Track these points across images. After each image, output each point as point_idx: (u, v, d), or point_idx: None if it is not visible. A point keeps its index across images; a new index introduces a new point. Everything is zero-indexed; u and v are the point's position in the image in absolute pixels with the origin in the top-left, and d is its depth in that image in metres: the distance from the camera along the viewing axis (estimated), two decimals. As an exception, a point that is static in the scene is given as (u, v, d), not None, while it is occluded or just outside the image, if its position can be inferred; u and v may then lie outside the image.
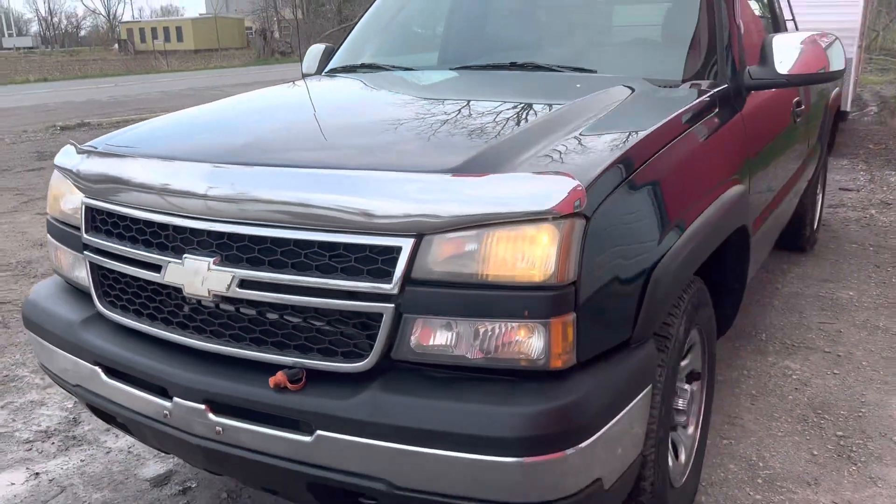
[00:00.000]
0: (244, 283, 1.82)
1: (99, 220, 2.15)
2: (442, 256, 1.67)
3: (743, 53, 2.76)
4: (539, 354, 1.66)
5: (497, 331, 1.67)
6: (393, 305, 1.69)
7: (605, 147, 1.90)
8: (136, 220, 2.02)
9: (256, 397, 1.80)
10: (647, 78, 2.65)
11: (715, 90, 2.55)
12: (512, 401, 1.64)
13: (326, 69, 3.38)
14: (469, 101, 2.43)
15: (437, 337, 1.70)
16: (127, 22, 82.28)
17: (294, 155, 2.03)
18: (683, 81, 2.63)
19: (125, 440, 3.05)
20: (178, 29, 72.82)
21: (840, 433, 2.97)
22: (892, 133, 10.49)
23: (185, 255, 1.90)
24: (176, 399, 1.91)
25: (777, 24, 3.56)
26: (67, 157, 2.29)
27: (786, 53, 2.68)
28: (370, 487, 1.73)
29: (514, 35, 3.08)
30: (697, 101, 2.39)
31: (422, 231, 1.67)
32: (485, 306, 1.66)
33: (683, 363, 2.43)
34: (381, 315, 1.70)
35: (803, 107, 3.57)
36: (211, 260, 1.85)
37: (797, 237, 5.03)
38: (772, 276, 4.80)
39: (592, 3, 3.12)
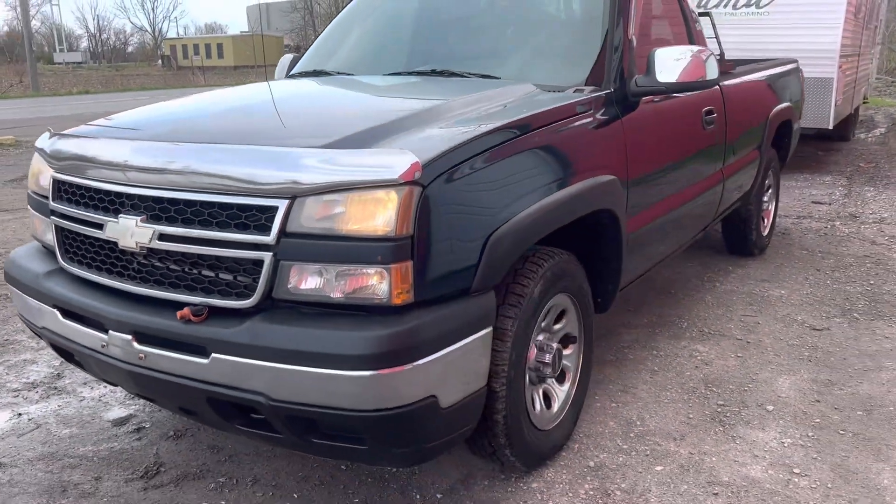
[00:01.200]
0: (162, 237, 2.28)
1: (62, 190, 2.64)
2: (310, 214, 2.11)
3: (633, 64, 3.17)
4: (383, 293, 2.09)
5: (353, 274, 2.10)
6: (272, 254, 2.13)
7: (456, 134, 2.33)
8: (87, 189, 2.50)
9: (168, 328, 2.25)
10: (540, 83, 3.07)
11: (594, 95, 2.97)
12: (358, 327, 2.07)
13: (286, 75, 3.88)
14: (376, 97, 2.89)
15: (308, 281, 2.14)
16: (171, 39, 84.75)
17: (208, 134, 2.51)
18: (570, 87, 3.04)
19: (98, 390, 3.53)
20: (219, 46, 74.77)
21: (721, 402, 3.34)
22: (888, 153, 10.72)
23: (120, 216, 2.37)
24: (111, 332, 2.37)
25: (691, 40, 3.96)
26: (43, 140, 2.79)
27: (666, 64, 3.09)
28: (253, 400, 2.17)
29: (438, 47, 3.55)
30: (567, 102, 2.81)
31: (295, 194, 2.11)
32: (343, 255, 2.09)
33: (557, 326, 2.84)
34: (262, 262, 2.15)
35: (716, 115, 3.95)
36: (138, 218, 2.32)
37: (743, 242, 5.39)
38: (714, 274, 5.15)
39: (504, 19, 3.56)
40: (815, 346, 3.95)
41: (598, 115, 2.92)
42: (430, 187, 2.11)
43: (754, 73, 4.88)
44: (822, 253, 5.63)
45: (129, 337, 2.33)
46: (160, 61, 74.71)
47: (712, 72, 3.14)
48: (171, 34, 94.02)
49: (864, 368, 3.68)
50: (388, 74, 3.43)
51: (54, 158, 2.66)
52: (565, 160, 2.65)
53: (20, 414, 3.36)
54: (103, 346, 2.42)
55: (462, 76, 3.23)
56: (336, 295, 2.13)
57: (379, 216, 2.06)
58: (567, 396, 2.93)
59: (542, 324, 2.76)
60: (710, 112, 3.89)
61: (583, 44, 3.29)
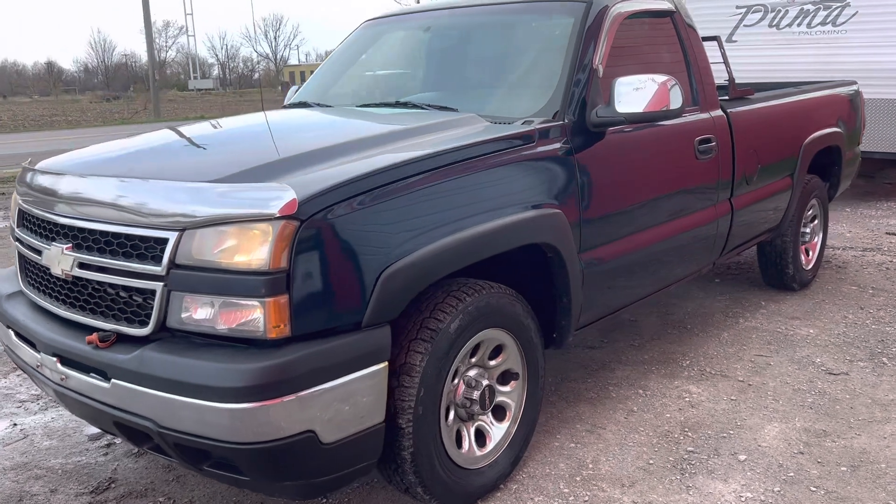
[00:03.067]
0: (81, 265, 2.41)
1: (23, 218, 2.82)
2: (196, 247, 2.17)
3: (598, 94, 3.07)
4: (260, 326, 2.11)
5: (234, 307, 2.14)
6: (163, 284, 2.21)
7: (355, 169, 2.33)
8: (35, 217, 2.67)
9: (82, 352, 2.36)
10: (495, 115, 3.04)
11: (539, 126, 2.90)
12: (232, 360, 2.10)
13: (284, 105, 4.01)
14: (309, 131, 2.95)
15: (197, 311, 2.20)
16: (291, 66, 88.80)
17: (126, 169, 2.62)
18: (520, 119, 2.98)
19: (89, 406, 3.72)
20: (335, 71, 77.31)
21: (691, 449, 3.15)
22: None
23: (52, 243, 2.51)
24: (41, 353, 2.52)
25: (689, 67, 3.78)
26: (20, 172, 3.00)
27: (626, 94, 2.99)
28: (144, 426, 2.24)
29: (409, 80, 3.58)
30: (495, 136, 2.75)
31: (184, 226, 2.18)
32: (225, 287, 2.14)
33: (493, 362, 2.78)
34: (154, 291, 2.22)
35: (715, 143, 3.76)
36: (64, 247, 2.45)
37: (779, 275, 5.07)
38: (741, 309, 4.87)
39: (473, 52, 3.54)
40: (823, 391, 3.67)
41: (542, 148, 2.85)
42: (310, 222, 2.12)
43: (783, 97, 4.61)
44: (873, 290, 5.22)
45: (54, 359, 2.46)
46: (280, 87, 78.30)
47: (676, 101, 3.00)
48: (293, 61, 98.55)
49: (869, 419, 3.38)
50: (360, 106, 3.47)
51: (20, 188, 2.85)
52: (485, 194, 2.60)
53: (15, 424, 3.59)
54: (38, 366, 2.56)
55: (420, 108, 3.23)
56: (222, 327, 2.17)
57: (255, 250, 2.09)
58: (506, 434, 2.85)
59: (473, 359, 2.71)
60: (706, 141, 3.71)
61: (541, 75, 3.23)
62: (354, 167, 2.34)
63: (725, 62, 4.14)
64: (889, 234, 6.91)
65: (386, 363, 2.30)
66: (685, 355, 4.14)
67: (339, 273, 2.19)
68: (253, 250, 2.10)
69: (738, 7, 8.64)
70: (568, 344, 3.13)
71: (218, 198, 2.18)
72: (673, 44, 3.75)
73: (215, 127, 3.26)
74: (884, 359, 4.04)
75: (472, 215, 2.53)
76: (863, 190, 9.04)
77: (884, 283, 5.35)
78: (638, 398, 3.63)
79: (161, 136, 3.10)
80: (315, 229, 2.13)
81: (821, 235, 5.42)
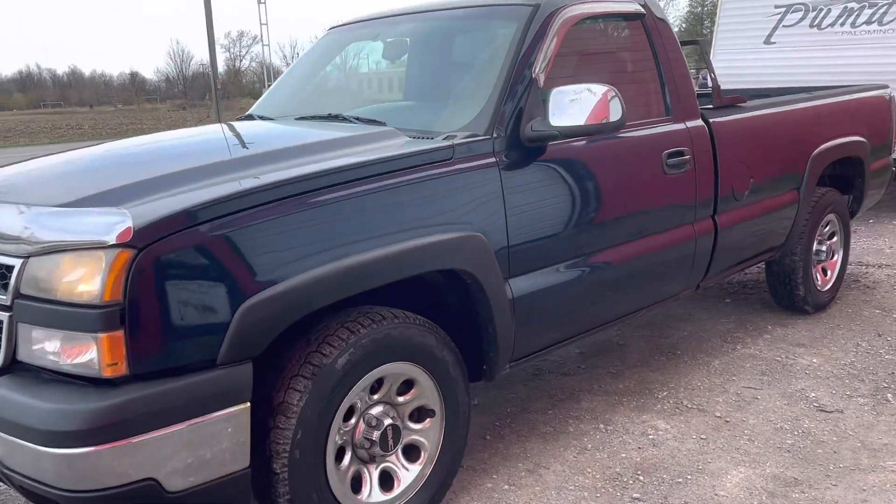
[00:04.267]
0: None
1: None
2: (35, 275, 2.03)
3: (536, 106, 2.81)
4: (95, 364, 1.95)
5: (73, 342, 1.99)
6: (9, 314, 2.07)
7: (210, 193, 2.14)
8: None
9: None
10: (422, 129, 2.82)
11: (459, 142, 2.65)
12: (62, 400, 1.95)
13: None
14: (204, 149, 2.79)
15: (42, 344, 2.05)
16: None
17: (9, 190, 2.49)
18: (443, 134, 2.74)
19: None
20: (402, 77, 77.95)
21: (637, 496, 2.85)
22: None
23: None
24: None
25: (661, 74, 3.45)
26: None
27: (561, 106, 2.72)
28: (-5, 463, 2.11)
29: (353, 92, 3.39)
30: (413, 151, 2.53)
31: (28, 253, 2.04)
32: (64, 319, 1.99)
33: (402, 398, 2.56)
34: (2, 322, 2.09)
35: (688, 157, 3.44)
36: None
37: (790, 297, 4.67)
38: (744, 334, 4.50)
39: (410, 60, 3.32)
40: (808, 432, 3.30)
41: (461, 166, 2.61)
42: (149, 251, 1.95)
43: (783, 105, 4.22)
44: (899, 313, 4.76)
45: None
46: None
47: (616, 113, 2.71)
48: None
49: (852, 467, 3.01)
50: (298, 118, 3.30)
51: None
52: (385, 217, 2.38)
53: None
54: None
55: (348, 121, 3.04)
56: (65, 362, 2.02)
57: (89, 280, 1.94)
58: (418, 477, 2.62)
59: (375, 396, 2.49)
60: (676, 154, 3.39)
61: (476, 86, 2.99)
62: (214, 191, 2.16)
63: (709, 67, 3.79)
64: (934, 250, 6.34)
65: (247, 404, 2.11)
66: (664, 385, 3.81)
67: (186, 306, 2.00)
68: (87, 281, 1.94)
69: (776, 6, 8.15)
70: (499, 376, 2.88)
71: (57, 223, 2.04)
72: (642, 49, 3.44)
73: (101, 150, 3.08)
74: (889, 395, 3.63)
75: (363, 240, 2.31)
76: (916, 201, 8.39)
77: (912, 307, 4.87)
78: (596, 434, 3.33)
79: (71, 155, 2.99)
80: (155, 258, 1.96)
81: (841, 253, 4.97)
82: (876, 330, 4.48)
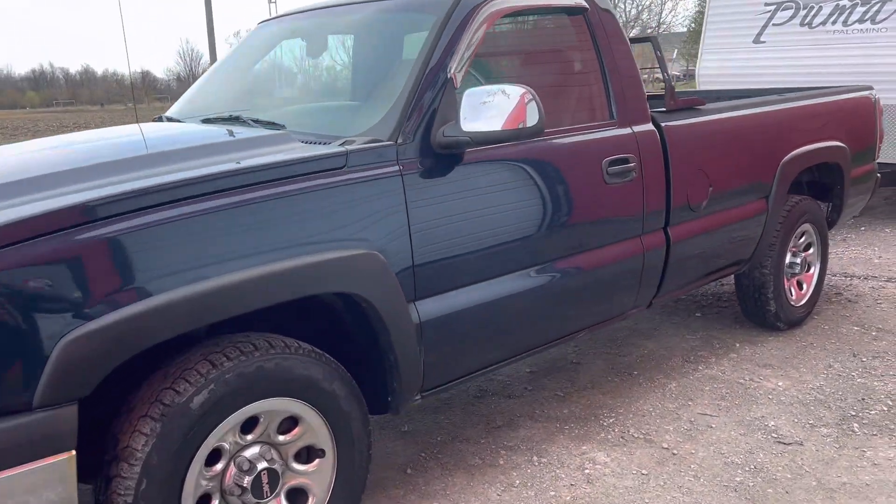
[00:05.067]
0: None
1: None
2: None
3: (451, 109, 2.53)
4: None
5: None
6: None
7: (35, 208, 1.88)
8: None
9: None
10: (322, 133, 2.55)
11: (360, 148, 2.38)
12: None
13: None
14: (74, 154, 2.52)
15: None
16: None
17: None
18: (340, 139, 2.47)
19: None
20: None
21: (558, 543, 2.56)
22: None
23: None
24: None
25: (605, 74, 3.16)
26: None
27: (473, 109, 2.45)
28: None
29: (266, 91, 3.12)
30: (295, 158, 2.26)
31: None
32: None
33: (284, 437, 2.29)
34: None
35: (634, 164, 3.14)
36: None
37: (760, 313, 4.38)
38: (709, 352, 4.20)
39: (325, 57, 3.04)
40: (761, 467, 3.00)
41: (356, 175, 2.33)
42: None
43: (748, 108, 3.92)
44: (878, 331, 4.44)
45: None
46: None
47: (533, 118, 2.43)
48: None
49: (803, 510, 2.72)
50: (203, 120, 3.03)
51: None
52: (252, 234, 2.10)
53: None
54: None
55: (246, 124, 2.76)
56: None
57: None
58: (310, 523, 2.34)
59: (249, 436, 2.22)
60: (619, 162, 3.10)
61: (386, 86, 2.71)
62: (44, 205, 1.89)
63: (662, 67, 3.49)
64: (925, 260, 6.01)
65: (72, 453, 1.84)
66: (612, 411, 3.52)
67: (-8, 341, 1.73)
68: None
69: (766, 4, 7.82)
70: (404, 409, 2.60)
71: None
72: (583, 48, 3.15)
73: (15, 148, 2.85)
74: (855, 425, 3.32)
75: (225, 261, 2.04)
76: (911, 207, 8.07)
77: (893, 324, 4.55)
78: (528, 467, 3.05)
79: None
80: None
81: (818, 266, 4.66)
82: (852, 349, 4.18)
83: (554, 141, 2.89)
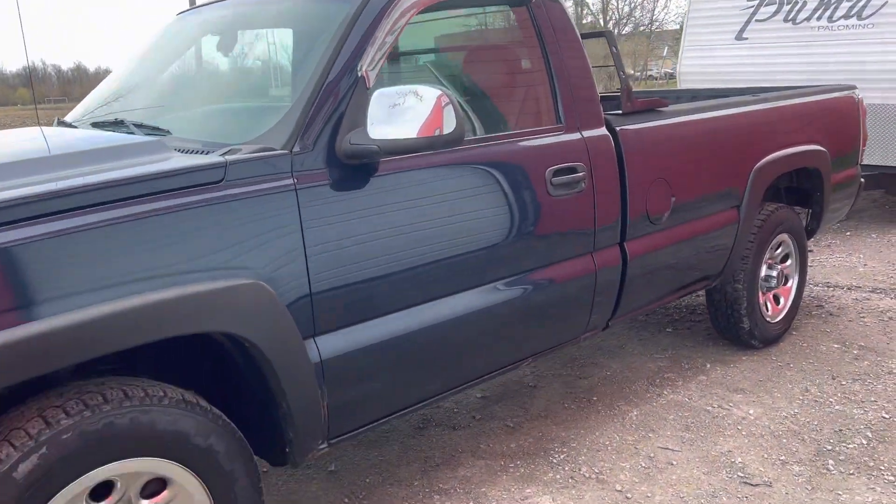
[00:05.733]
0: None
1: None
2: None
3: (362, 113, 2.18)
4: None
5: None
6: None
7: None
8: None
9: None
10: (207, 141, 2.21)
11: (245, 158, 2.03)
12: None
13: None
14: None
15: None
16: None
17: None
18: (224, 148, 2.12)
19: None
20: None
21: None
22: None
23: None
24: None
25: (552, 74, 2.82)
26: None
27: (382, 113, 2.11)
28: None
29: (148, 93, 2.78)
30: (158, 171, 1.91)
31: None
32: None
33: (150, 502, 1.94)
34: None
35: (582, 173, 2.80)
36: None
37: (734, 330, 4.05)
38: (676, 374, 3.87)
39: (229, 54, 2.69)
40: (723, 515, 2.68)
41: (238, 191, 1.99)
42: None
43: (716, 109, 3.58)
44: (860, 349, 4.12)
45: None
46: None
47: (450, 124, 2.09)
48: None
49: (767, 569, 2.39)
50: (92, 124, 2.68)
51: None
52: (98, 263, 1.76)
53: None
54: None
55: (128, 128, 2.42)
56: None
57: None
58: None
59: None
60: (566, 171, 2.76)
61: (280, 87, 2.37)
62: None
63: (617, 64, 3.15)
64: (913, 268, 5.70)
65: None
66: (565, 445, 3.19)
67: None
68: None
69: (749, -1, 7.50)
70: (307, 460, 2.25)
71: None
72: (526, 43, 2.81)
73: None
74: (830, 461, 3.00)
75: (61, 297, 1.69)
76: (900, 210, 7.76)
77: (876, 341, 4.23)
78: (463, 515, 2.71)
79: None
80: None
81: (796, 279, 4.33)
82: (831, 371, 3.85)
83: (489, 149, 2.55)
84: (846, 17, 6.89)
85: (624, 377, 3.86)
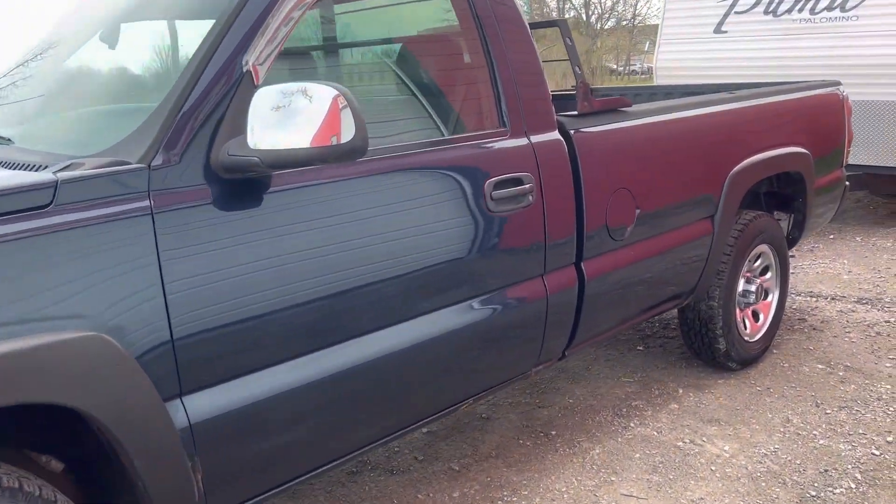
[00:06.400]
0: None
1: None
2: None
3: (244, 118, 1.77)
4: None
5: None
6: None
7: None
8: None
9: None
10: (56, 153, 1.79)
11: (82, 176, 1.62)
12: None
13: None
14: None
15: None
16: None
17: None
18: (72, 159, 1.71)
19: None
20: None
21: None
22: None
23: None
24: None
25: (494, 71, 2.42)
26: None
27: (263, 118, 1.69)
28: None
29: (29, 93, 2.34)
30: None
31: None
32: None
33: None
34: None
35: (529, 185, 2.41)
36: None
37: (709, 352, 3.68)
38: (646, 402, 3.49)
39: (110, 46, 2.27)
40: (692, 583, 2.29)
41: (67, 217, 1.57)
42: None
43: (692, 108, 3.20)
44: (846, 370, 3.76)
45: None
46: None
47: (348, 132, 1.68)
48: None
49: None
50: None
51: None
52: None
53: None
54: None
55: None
56: None
57: None
58: None
59: None
60: (509, 183, 2.36)
61: (153, 85, 1.96)
62: None
63: (572, 58, 2.74)
64: (901, 276, 5.35)
65: None
66: (516, 493, 2.80)
67: None
68: None
69: (727, -11, 7.14)
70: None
71: None
72: (465, 35, 2.41)
73: None
74: (815, 511, 2.63)
75: None
76: (884, 212, 7.44)
77: (863, 360, 3.87)
78: (388, 588, 2.31)
79: None
80: None
81: (777, 293, 3.96)
82: (815, 397, 3.49)
83: (414, 158, 2.15)
84: (829, 8, 6.55)
85: (587, 406, 3.48)
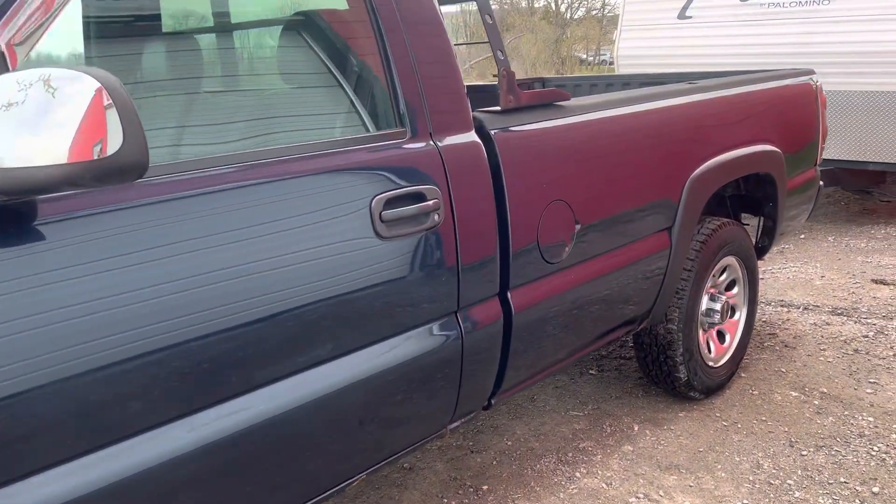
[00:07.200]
0: None
1: None
2: None
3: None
4: None
5: None
6: None
7: None
8: None
9: None
10: None
11: None
12: None
13: None
14: None
15: None
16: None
17: None
18: None
19: None
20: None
21: None
22: None
23: None
24: None
25: (387, 60, 1.90)
26: None
27: (0, 119, 1.16)
28: None
29: None
30: None
31: None
32: None
33: None
34: None
35: (434, 200, 1.89)
36: None
37: (668, 381, 3.20)
38: (595, 444, 3.01)
39: None
40: None
41: None
42: None
43: (643, 102, 2.70)
44: (823, 399, 3.31)
45: None
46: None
47: (115, 142, 1.16)
48: None
49: None
50: None
51: None
52: None
53: None
54: None
55: None
56: None
57: None
58: None
59: None
60: (405, 199, 1.84)
61: None
62: None
63: (493, 43, 2.21)
64: (877, 282, 4.94)
65: None
66: (430, 573, 2.29)
67: None
68: None
69: (692, -28, 6.68)
70: None
71: None
72: (356, 19, 1.88)
73: None
74: (791, 593, 2.15)
75: None
76: (857, 209, 7.06)
77: (841, 385, 3.42)
78: None
79: None
80: None
81: (745, 310, 3.50)
82: (788, 433, 3.03)
83: (267, 170, 1.62)
84: (801, -8, 6.12)
85: (528, 450, 2.99)
